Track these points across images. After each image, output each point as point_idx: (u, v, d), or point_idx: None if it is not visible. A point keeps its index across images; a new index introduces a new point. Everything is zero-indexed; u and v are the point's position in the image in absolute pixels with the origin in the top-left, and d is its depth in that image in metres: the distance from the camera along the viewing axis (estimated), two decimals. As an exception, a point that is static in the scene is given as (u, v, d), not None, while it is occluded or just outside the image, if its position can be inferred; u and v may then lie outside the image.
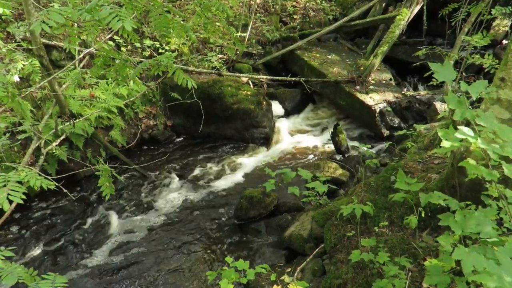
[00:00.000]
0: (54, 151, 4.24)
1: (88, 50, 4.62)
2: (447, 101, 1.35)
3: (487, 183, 1.72)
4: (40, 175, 2.09)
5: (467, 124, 1.37)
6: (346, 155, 5.10)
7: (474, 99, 1.42)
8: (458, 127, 1.32)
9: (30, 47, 4.07)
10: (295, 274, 2.74)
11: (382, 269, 2.20)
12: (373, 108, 5.45)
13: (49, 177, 2.12)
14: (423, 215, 2.31)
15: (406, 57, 7.10)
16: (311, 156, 5.39)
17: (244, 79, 6.20)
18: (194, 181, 4.90)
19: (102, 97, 4.94)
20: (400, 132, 4.06)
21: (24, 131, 4.10)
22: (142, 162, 5.22)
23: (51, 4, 4.63)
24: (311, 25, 8.41)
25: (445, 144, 1.30)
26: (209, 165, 5.28)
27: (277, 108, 6.41)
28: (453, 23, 4.63)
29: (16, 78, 3.88)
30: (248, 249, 3.62)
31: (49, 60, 4.09)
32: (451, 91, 3.83)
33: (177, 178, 4.94)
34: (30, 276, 2.00)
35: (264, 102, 5.84)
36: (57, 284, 1.80)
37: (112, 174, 2.86)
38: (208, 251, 3.63)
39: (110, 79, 5.19)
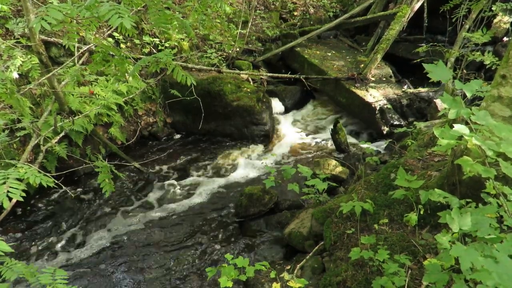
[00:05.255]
0: (53, 148, 4.24)
1: (87, 46, 4.60)
2: (442, 100, 1.35)
3: (486, 180, 1.72)
4: (39, 172, 2.09)
5: (467, 123, 1.37)
6: (346, 153, 5.09)
7: (469, 97, 1.42)
8: (454, 125, 1.31)
9: (29, 44, 4.06)
10: (295, 272, 2.75)
11: (381, 267, 2.20)
12: (373, 105, 5.44)
13: (48, 174, 2.13)
14: (422, 212, 2.31)
15: (407, 54, 7.09)
16: (311, 153, 5.39)
17: (244, 76, 6.19)
18: (193, 178, 4.90)
19: (101, 94, 4.93)
20: (400, 130, 4.06)
21: (23, 128, 4.10)
22: (141, 159, 5.21)
23: (50, 1, 4.61)
24: (311, 22, 8.39)
25: (442, 142, 1.30)
26: (208, 162, 5.28)
27: (277, 105, 6.40)
28: (454, 20, 4.61)
29: (15, 75, 3.87)
30: (247, 246, 3.63)
31: (48, 56, 4.08)
32: (452, 89, 3.82)
33: (176, 175, 4.94)
34: (30, 272, 2.01)
35: (264, 99, 5.83)
36: (57, 277, 1.81)
37: (112, 171, 2.86)
38: (208, 248, 3.63)
39: (109, 75, 5.18)
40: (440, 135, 1.29)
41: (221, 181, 4.82)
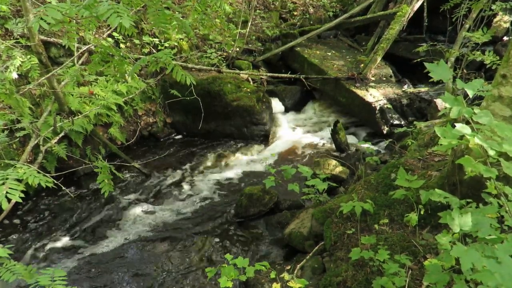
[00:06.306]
0: (53, 148, 4.23)
1: (86, 46, 4.60)
2: (443, 100, 1.34)
3: (487, 180, 1.71)
4: (39, 172, 2.08)
5: (467, 122, 1.36)
6: (346, 152, 5.09)
7: (471, 97, 1.41)
8: (456, 124, 1.31)
9: (28, 44, 4.05)
10: (295, 272, 2.74)
11: (382, 267, 2.19)
12: (373, 105, 5.43)
13: (47, 175, 2.12)
14: (423, 212, 2.30)
15: (407, 54, 7.08)
16: (311, 153, 5.38)
17: (244, 76, 6.18)
18: (193, 178, 4.89)
19: (101, 94, 4.93)
20: (401, 129, 4.05)
21: (22, 128, 4.09)
22: (141, 159, 5.20)
23: (48, 1, 4.60)
24: (311, 22, 8.38)
25: (444, 141, 1.29)
26: (208, 162, 5.27)
27: (277, 105, 6.39)
28: (454, 20, 4.60)
29: (14, 75, 3.86)
30: (247, 247, 3.62)
31: (47, 57, 4.08)
32: (452, 88, 3.82)
33: (176, 175, 4.93)
34: (29, 273, 2.01)
35: (264, 99, 5.83)
36: (56, 278, 1.81)
37: (111, 171, 2.86)
38: (208, 248, 3.63)
39: (109, 76, 5.18)
40: (442, 134, 1.28)
41: (220, 181, 4.82)
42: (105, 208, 4.31)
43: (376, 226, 2.61)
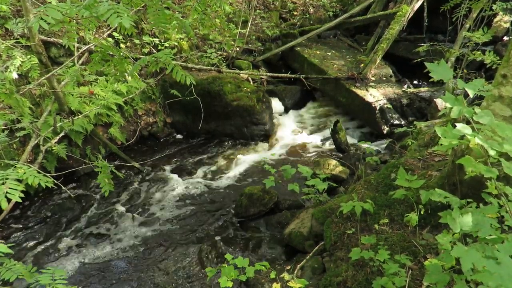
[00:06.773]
0: (53, 148, 4.23)
1: (86, 46, 4.60)
2: (444, 99, 1.34)
3: (487, 180, 1.71)
4: (38, 172, 2.08)
5: (467, 122, 1.36)
6: (346, 152, 5.08)
7: (471, 96, 1.41)
8: (456, 124, 1.30)
9: (28, 44, 4.05)
10: (295, 272, 2.74)
11: (382, 267, 2.19)
12: (373, 105, 5.43)
13: (48, 175, 2.12)
14: (423, 212, 2.30)
15: (407, 54, 7.08)
16: (311, 153, 5.38)
17: (244, 76, 6.18)
18: (193, 178, 4.89)
19: (101, 94, 4.93)
20: (401, 129, 4.05)
21: (23, 128, 4.09)
22: (141, 159, 5.21)
23: (48, 1, 4.60)
24: (311, 22, 8.38)
25: (444, 141, 1.28)
26: (208, 162, 5.27)
27: (277, 105, 6.39)
28: (454, 20, 4.60)
29: (14, 75, 3.86)
30: (248, 247, 3.62)
31: (47, 56, 4.08)
32: (452, 88, 3.82)
33: (176, 175, 4.93)
34: (29, 272, 2.01)
35: (264, 99, 5.82)
36: (56, 277, 1.81)
37: (112, 170, 2.86)
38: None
39: (109, 75, 5.18)
40: (442, 134, 1.28)
41: (221, 181, 4.82)
42: (105, 207, 4.31)
43: (376, 226, 2.61)
